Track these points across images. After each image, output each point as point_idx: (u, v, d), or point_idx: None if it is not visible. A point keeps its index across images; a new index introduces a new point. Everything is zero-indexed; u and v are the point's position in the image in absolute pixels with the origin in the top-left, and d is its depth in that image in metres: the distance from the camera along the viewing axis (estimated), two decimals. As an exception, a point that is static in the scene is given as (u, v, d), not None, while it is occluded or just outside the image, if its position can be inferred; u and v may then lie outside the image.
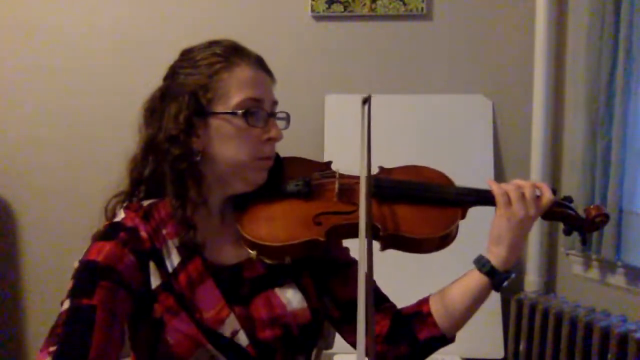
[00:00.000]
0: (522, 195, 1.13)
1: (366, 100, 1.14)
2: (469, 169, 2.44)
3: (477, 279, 1.14)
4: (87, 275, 0.99)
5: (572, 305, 2.30)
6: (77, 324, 0.94)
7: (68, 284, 0.99)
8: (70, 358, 0.90)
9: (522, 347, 2.41)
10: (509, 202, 1.13)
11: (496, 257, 1.13)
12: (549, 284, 2.57)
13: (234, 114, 1.07)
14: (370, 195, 1.06)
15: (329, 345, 1.36)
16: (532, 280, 2.54)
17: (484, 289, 1.14)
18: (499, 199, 1.13)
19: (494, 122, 2.62)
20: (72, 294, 0.97)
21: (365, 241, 0.89)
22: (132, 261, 1.03)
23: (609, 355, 2.08)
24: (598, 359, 2.12)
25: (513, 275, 1.14)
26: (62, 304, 0.97)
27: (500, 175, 2.59)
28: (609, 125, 2.22)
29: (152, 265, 1.05)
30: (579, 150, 2.34)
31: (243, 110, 1.07)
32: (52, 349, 0.90)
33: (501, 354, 2.43)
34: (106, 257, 1.01)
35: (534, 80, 2.54)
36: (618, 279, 2.27)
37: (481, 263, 1.14)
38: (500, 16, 2.64)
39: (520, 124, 2.61)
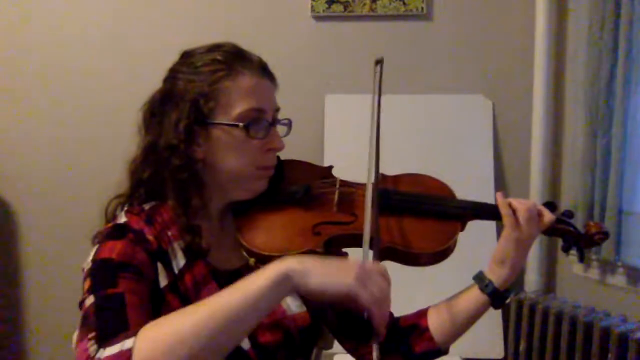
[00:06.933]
0: (531, 217, 1.13)
1: (379, 62, 1.13)
2: (468, 170, 2.45)
3: (478, 297, 1.15)
4: (105, 271, 0.97)
5: (572, 305, 2.29)
6: (108, 310, 0.91)
7: (85, 283, 0.96)
8: (113, 335, 0.84)
9: (522, 347, 2.41)
10: (517, 224, 1.12)
11: (498, 277, 1.14)
12: (549, 284, 2.57)
13: (235, 125, 1.05)
14: (376, 198, 1.05)
15: (329, 345, 1.36)
16: (532, 280, 2.53)
17: (484, 307, 1.16)
18: (507, 219, 1.13)
19: (494, 122, 2.62)
20: (94, 289, 0.94)
21: (369, 252, 0.90)
22: (144, 257, 1.01)
23: (609, 355, 2.08)
24: (598, 359, 2.12)
25: (512, 294, 1.15)
26: (81, 303, 0.94)
27: (500, 176, 2.58)
28: (609, 125, 2.22)
29: (159, 265, 1.04)
30: (579, 150, 2.34)
31: (245, 123, 1.05)
32: (91, 335, 0.86)
33: (501, 354, 2.43)
34: (120, 254, 0.99)
35: (534, 80, 2.54)
36: (618, 279, 2.27)
37: (483, 283, 1.15)
38: (500, 16, 2.63)
39: (520, 124, 2.61)
